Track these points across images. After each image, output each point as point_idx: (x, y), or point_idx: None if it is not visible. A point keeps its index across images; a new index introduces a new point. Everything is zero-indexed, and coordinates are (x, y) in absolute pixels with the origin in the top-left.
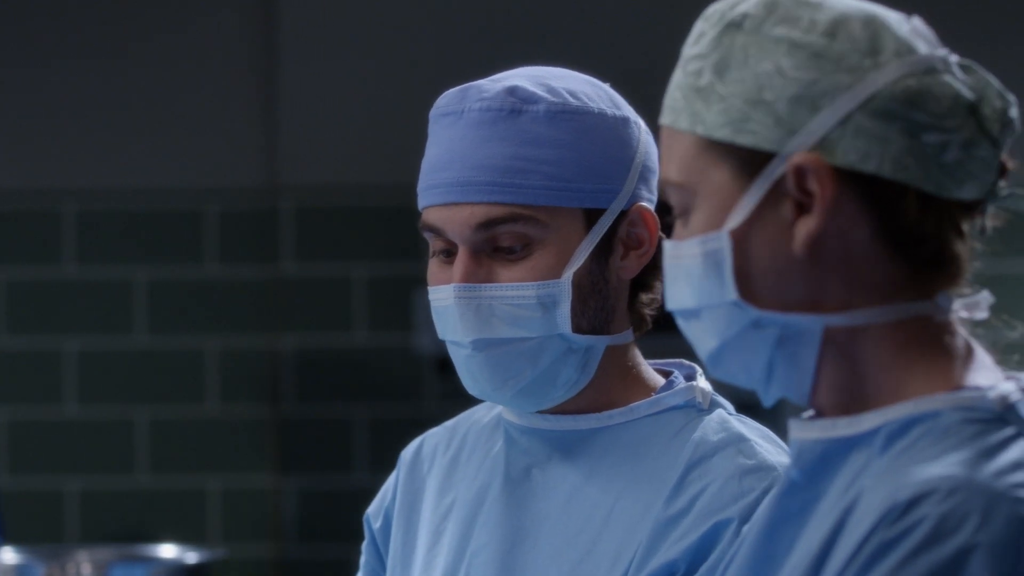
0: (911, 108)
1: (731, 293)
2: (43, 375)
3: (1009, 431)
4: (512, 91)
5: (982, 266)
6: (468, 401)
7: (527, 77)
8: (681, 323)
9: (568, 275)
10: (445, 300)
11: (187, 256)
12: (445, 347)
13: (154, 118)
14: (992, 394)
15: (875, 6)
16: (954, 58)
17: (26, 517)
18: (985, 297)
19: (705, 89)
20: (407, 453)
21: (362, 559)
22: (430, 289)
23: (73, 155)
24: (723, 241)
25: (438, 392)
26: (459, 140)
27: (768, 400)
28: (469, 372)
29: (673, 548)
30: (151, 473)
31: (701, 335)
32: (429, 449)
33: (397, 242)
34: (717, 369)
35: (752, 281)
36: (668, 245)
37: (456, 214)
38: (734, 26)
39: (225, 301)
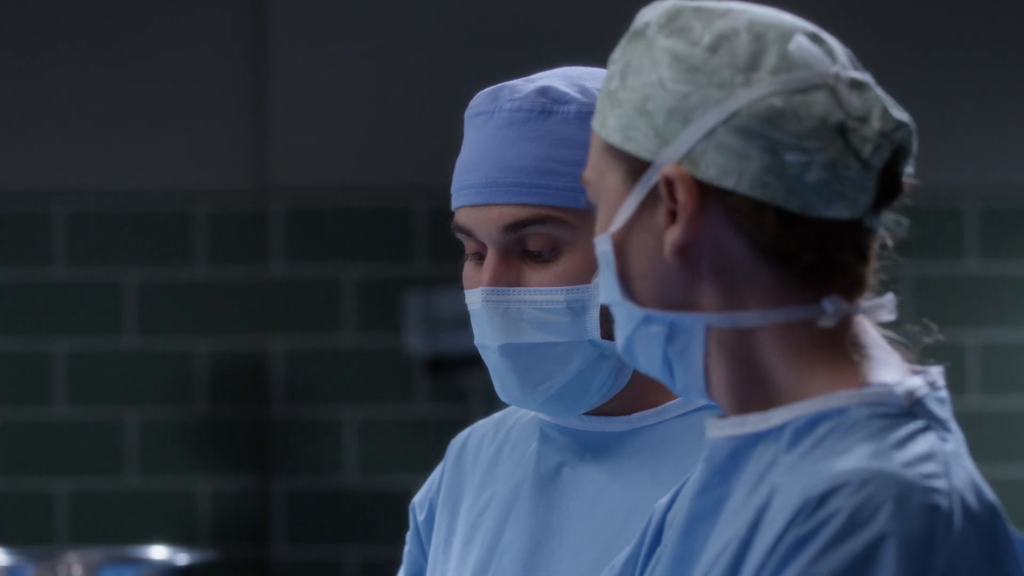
0: (771, 127)
1: (615, 293)
2: (33, 376)
3: (917, 424)
4: (544, 91)
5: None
6: (461, 403)
7: (562, 77)
8: None
9: (597, 280)
10: (475, 304)
11: (177, 258)
12: (435, 349)
13: (143, 120)
14: (899, 389)
15: (782, 19)
16: (850, 75)
17: (16, 518)
18: (889, 300)
19: (613, 94)
20: (455, 444)
21: (405, 548)
22: (466, 293)
23: (62, 157)
24: (607, 244)
25: (428, 393)
26: (489, 140)
27: (683, 395)
28: (499, 377)
29: None
30: (141, 474)
31: (616, 330)
32: (475, 441)
33: (387, 244)
34: (633, 363)
35: (633, 282)
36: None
37: (485, 215)
38: (638, 34)
39: (215, 303)
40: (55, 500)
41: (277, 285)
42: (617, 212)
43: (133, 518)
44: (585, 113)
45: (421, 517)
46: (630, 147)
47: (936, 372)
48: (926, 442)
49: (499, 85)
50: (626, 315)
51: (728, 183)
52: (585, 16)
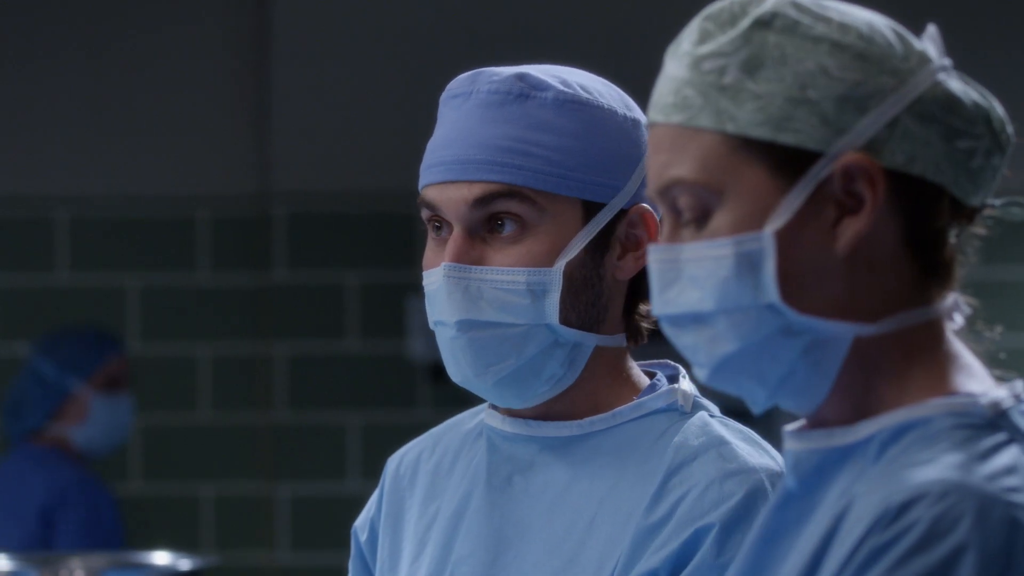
0: (948, 112)
1: (770, 295)
2: None
3: (1001, 436)
4: (522, 77)
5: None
6: (463, 409)
7: (540, 69)
8: (673, 329)
9: (560, 265)
10: (435, 282)
11: (179, 263)
12: (438, 354)
13: (146, 125)
14: (984, 400)
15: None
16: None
17: None
18: (961, 302)
19: (732, 87)
20: (390, 464)
21: (349, 574)
22: (424, 274)
23: (65, 162)
24: (765, 241)
25: (431, 399)
26: (464, 120)
27: (760, 409)
28: (452, 355)
29: (654, 557)
30: (144, 480)
31: (711, 340)
32: (412, 458)
33: (390, 249)
34: (720, 376)
35: (792, 282)
36: (665, 248)
37: (453, 192)
38: (763, 24)
39: (217, 308)
40: None
41: (280, 290)
42: (773, 209)
43: (136, 523)
44: (563, 100)
45: (363, 538)
46: (787, 138)
47: (1020, 385)
48: (1009, 455)
49: (478, 70)
50: (758, 321)
51: (916, 170)
52: (585, 17)
